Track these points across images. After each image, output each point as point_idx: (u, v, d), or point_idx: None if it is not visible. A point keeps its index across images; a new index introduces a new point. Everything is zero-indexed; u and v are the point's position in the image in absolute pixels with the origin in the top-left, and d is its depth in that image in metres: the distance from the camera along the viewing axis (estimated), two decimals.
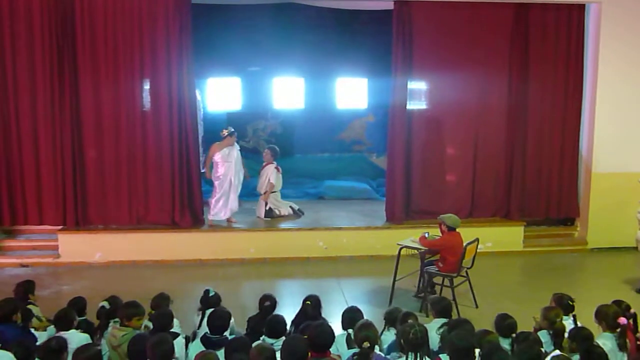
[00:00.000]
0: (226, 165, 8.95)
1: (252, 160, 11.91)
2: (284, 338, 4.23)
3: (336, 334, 4.09)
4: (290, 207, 9.63)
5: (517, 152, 9.28)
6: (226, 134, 8.96)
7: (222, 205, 8.95)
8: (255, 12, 10.92)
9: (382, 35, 9.83)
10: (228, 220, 9.09)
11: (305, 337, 3.90)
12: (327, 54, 12.02)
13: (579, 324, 4.56)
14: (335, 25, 11.88)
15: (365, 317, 4.45)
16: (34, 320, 5.00)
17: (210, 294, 5.07)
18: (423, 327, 3.90)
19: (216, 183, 8.98)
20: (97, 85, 8.52)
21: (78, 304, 4.99)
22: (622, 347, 4.30)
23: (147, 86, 8.68)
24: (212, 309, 4.75)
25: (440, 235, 6.90)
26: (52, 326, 4.67)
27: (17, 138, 8.51)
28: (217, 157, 8.94)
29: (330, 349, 3.97)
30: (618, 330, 4.37)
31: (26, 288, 5.42)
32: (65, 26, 8.37)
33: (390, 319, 4.70)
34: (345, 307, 4.83)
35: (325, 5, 9.74)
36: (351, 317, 4.51)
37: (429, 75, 9.21)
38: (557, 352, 3.82)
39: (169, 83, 8.61)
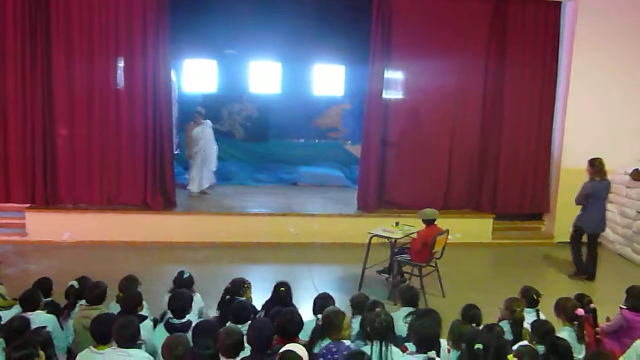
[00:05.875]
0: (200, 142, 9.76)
1: (226, 143, 11.86)
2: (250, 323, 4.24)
3: (305, 320, 4.12)
4: None
5: (491, 145, 9.41)
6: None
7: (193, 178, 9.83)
8: None
9: (360, 23, 9.85)
10: (202, 192, 9.91)
11: (275, 323, 3.92)
12: (305, 39, 11.97)
13: (542, 317, 4.66)
14: (314, 11, 11.83)
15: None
16: None
17: (185, 276, 5.04)
18: (389, 316, 3.94)
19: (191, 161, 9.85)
20: (70, 61, 8.36)
21: (44, 285, 4.90)
22: (580, 338, 4.42)
23: (121, 64, 8.54)
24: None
25: (412, 226, 7.09)
26: (18, 304, 4.60)
27: None
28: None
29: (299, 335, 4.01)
30: (576, 322, 4.49)
31: None
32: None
33: (357, 305, 4.74)
34: (315, 293, 4.85)
35: None
36: (322, 303, 4.53)
37: (407, 65, 9.25)
38: (525, 342, 3.89)
39: (144, 62, 8.49)
